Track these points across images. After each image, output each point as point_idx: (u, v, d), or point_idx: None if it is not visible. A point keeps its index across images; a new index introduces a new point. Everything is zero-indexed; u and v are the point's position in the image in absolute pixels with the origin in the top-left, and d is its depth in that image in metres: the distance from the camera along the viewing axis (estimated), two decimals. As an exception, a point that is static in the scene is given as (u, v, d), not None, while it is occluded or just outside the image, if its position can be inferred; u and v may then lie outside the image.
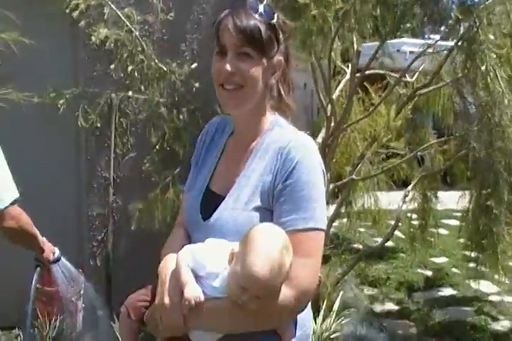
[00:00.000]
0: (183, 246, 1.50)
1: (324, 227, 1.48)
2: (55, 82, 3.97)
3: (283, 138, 1.51)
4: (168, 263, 1.51)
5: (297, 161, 1.46)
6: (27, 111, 3.65)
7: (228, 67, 1.47)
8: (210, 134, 1.71)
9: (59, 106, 3.94)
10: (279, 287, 1.37)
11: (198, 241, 1.50)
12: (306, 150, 1.49)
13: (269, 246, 1.35)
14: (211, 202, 1.56)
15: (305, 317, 1.55)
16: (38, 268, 2.25)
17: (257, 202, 1.48)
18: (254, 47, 1.47)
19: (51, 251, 2.27)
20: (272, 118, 1.58)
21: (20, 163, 3.66)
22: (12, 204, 2.10)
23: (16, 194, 2.14)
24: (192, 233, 1.60)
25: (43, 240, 2.23)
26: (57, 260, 2.33)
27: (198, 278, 1.41)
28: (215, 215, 1.52)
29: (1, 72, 3.57)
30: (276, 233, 1.40)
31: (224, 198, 1.53)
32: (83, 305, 3.90)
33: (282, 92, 1.58)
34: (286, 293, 1.39)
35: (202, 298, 1.37)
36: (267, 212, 1.47)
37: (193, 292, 1.37)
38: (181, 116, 3.95)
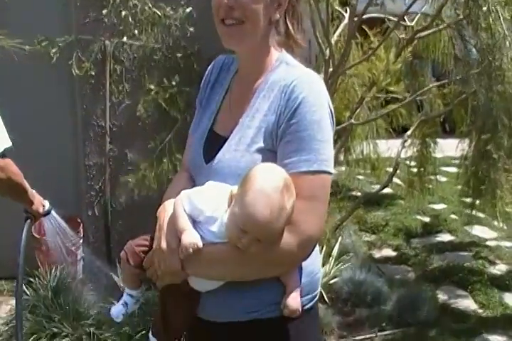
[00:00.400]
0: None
1: (330, 170, 1.41)
2: (46, 29, 3.88)
3: (288, 76, 1.45)
4: (167, 208, 1.48)
5: (302, 99, 1.39)
6: (20, 60, 3.57)
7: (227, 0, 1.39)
8: (215, 74, 1.65)
9: (51, 54, 3.85)
10: (281, 230, 1.33)
11: (200, 184, 1.46)
12: (311, 88, 1.42)
13: (269, 186, 1.30)
14: (214, 144, 1.50)
15: (313, 263, 1.51)
16: (28, 220, 2.20)
17: (261, 144, 1.42)
18: None
19: (41, 203, 2.21)
20: (278, 56, 1.51)
21: (15, 114, 3.63)
22: (1, 154, 2.01)
23: (6, 144, 2.05)
24: (195, 176, 1.55)
25: (32, 192, 2.17)
26: (48, 213, 2.28)
27: (196, 223, 1.37)
28: (217, 158, 1.47)
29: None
30: (277, 173, 1.34)
31: (227, 140, 1.48)
32: (83, 255, 3.95)
33: (290, 27, 1.50)
34: (288, 239, 1.34)
35: (200, 244, 1.34)
36: (271, 154, 1.41)
37: (191, 238, 1.34)
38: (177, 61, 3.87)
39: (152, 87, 3.77)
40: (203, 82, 1.67)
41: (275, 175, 1.33)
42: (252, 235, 1.29)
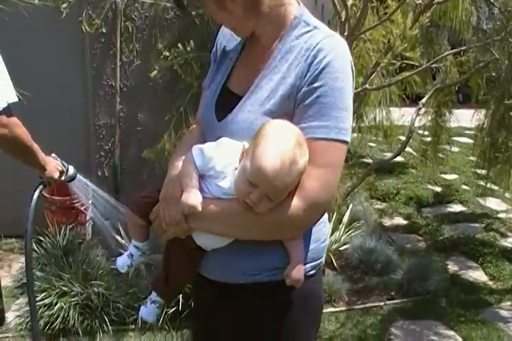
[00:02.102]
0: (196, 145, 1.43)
1: (347, 139, 1.37)
2: (56, -16, 3.78)
3: (310, 38, 1.38)
4: (177, 158, 1.46)
5: (326, 64, 1.33)
6: (30, 17, 3.47)
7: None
8: None
9: (62, 10, 3.75)
10: (291, 186, 1.29)
11: (212, 141, 1.42)
12: (336, 53, 1.35)
13: (281, 140, 1.27)
14: (228, 101, 1.45)
15: (319, 231, 1.50)
16: (41, 186, 2.17)
17: (276, 106, 1.37)
18: None
19: (56, 169, 2.17)
20: (296, 13, 1.43)
21: (24, 72, 3.57)
22: (5, 110, 1.95)
23: (11, 98, 1.99)
24: (206, 132, 1.51)
25: (43, 157, 2.12)
26: (73, 178, 2.26)
27: (205, 177, 1.35)
28: (229, 116, 1.42)
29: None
30: (291, 129, 1.31)
31: (241, 98, 1.43)
32: (92, 215, 3.93)
33: None
34: (296, 204, 1.32)
35: (199, 209, 1.31)
36: (286, 117, 1.36)
37: (192, 200, 1.31)
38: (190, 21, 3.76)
39: (167, 53, 3.66)
40: (218, 35, 1.62)
41: (287, 131, 1.31)
42: (261, 190, 1.27)
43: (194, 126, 1.64)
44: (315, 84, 1.33)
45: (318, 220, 1.42)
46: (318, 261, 1.51)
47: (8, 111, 1.98)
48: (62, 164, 2.22)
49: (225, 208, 1.34)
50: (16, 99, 2.03)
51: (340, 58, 1.36)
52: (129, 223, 1.56)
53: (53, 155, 2.22)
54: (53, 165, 2.17)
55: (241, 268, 1.43)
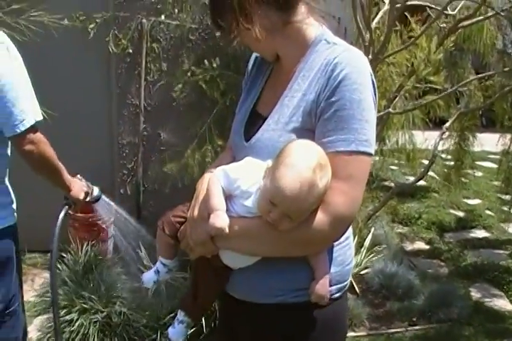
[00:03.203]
0: None
1: (370, 151, 1.35)
2: (84, 5, 3.87)
3: (329, 54, 1.39)
4: (205, 180, 1.47)
5: (343, 77, 1.33)
6: (58, 37, 3.55)
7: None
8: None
9: (89, 30, 3.82)
10: (310, 208, 1.29)
11: None
12: (354, 65, 1.35)
13: (301, 161, 1.27)
14: (255, 123, 1.49)
15: (344, 253, 1.49)
16: (66, 206, 2.22)
17: (299, 123, 1.38)
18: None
19: (82, 190, 2.22)
20: (317, 33, 1.45)
21: (50, 91, 3.63)
22: (33, 127, 2.01)
23: (37, 117, 2.05)
24: (236, 155, 1.54)
25: (69, 178, 2.18)
26: (97, 199, 2.31)
27: (230, 197, 1.36)
28: (255, 137, 1.45)
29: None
30: (312, 150, 1.31)
31: (266, 119, 1.46)
32: (113, 232, 3.94)
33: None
34: (321, 218, 1.31)
35: (227, 231, 1.31)
36: (309, 134, 1.37)
37: (220, 222, 1.31)
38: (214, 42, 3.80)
39: (193, 68, 3.70)
40: (249, 63, 1.66)
41: (310, 152, 1.30)
42: (280, 209, 1.27)
43: (225, 150, 1.67)
44: (333, 98, 1.33)
45: (343, 234, 1.41)
46: (343, 284, 1.50)
47: (36, 128, 2.04)
48: (87, 185, 2.27)
49: (250, 226, 1.34)
50: (41, 118, 2.09)
51: (358, 70, 1.35)
52: (158, 240, 1.57)
53: (78, 176, 2.27)
54: (79, 186, 2.22)
55: (267, 288, 1.42)
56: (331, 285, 1.43)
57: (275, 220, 1.29)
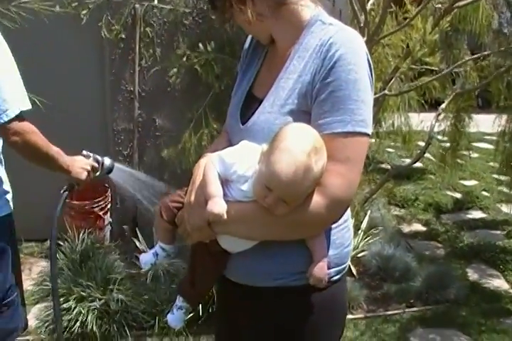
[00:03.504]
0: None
1: (367, 131, 1.35)
2: (76, -9, 3.81)
3: (324, 34, 1.37)
4: (201, 164, 1.46)
5: (338, 57, 1.32)
6: (50, 24, 3.50)
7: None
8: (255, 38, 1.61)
9: (82, 16, 3.78)
10: (306, 192, 1.29)
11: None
12: (348, 45, 1.34)
13: (296, 146, 1.26)
14: (251, 106, 1.48)
15: (343, 236, 1.49)
16: (66, 192, 2.14)
17: (294, 105, 1.37)
18: None
19: (83, 169, 2.14)
20: (312, 14, 1.44)
21: (43, 77, 3.62)
22: (17, 117, 1.96)
23: (23, 106, 1.99)
24: (232, 138, 1.53)
25: (66, 161, 2.10)
26: (110, 170, 2.22)
27: (227, 182, 1.36)
28: (251, 120, 1.45)
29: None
30: (307, 133, 1.30)
31: (262, 102, 1.45)
32: (110, 220, 3.95)
33: None
34: (317, 201, 1.31)
35: (225, 217, 1.31)
36: (305, 116, 1.36)
37: (217, 208, 1.31)
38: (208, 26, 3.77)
39: (188, 52, 3.67)
40: (244, 45, 1.65)
41: (304, 136, 1.29)
42: (276, 194, 1.27)
43: (222, 133, 1.67)
44: (328, 79, 1.33)
45: (341, 217, 1.41)
46: (342, 266, 1.50)
47: (21, 118, 1.98)
48: (96, 159, 2.19)
49: (247, 210, 1.34)
50: (29, 107, 2.03)
51: (353, 50, 1.34)
52: (156, 225, 1.58)
53: (84, 152, 2.20)
54: (79, 166, 2.14)
55: (266, 272, 1.43)
56: (329, 268, 1.43)
57: (271, 205, 1.29)
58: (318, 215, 1.32)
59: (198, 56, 3.67)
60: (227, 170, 1.35)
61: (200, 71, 3.64)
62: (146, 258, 1.59)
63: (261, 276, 1.44)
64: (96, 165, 2.18)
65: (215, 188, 1.34)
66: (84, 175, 2.14)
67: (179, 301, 1.57)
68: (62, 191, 2.14)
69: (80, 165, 2.14)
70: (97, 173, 2.20)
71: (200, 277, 1.51)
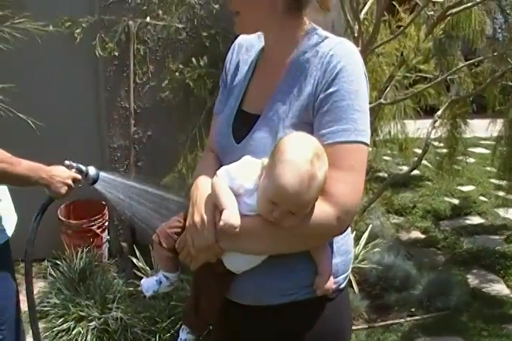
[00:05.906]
0: (215, 170, 1.42)
1: (367, 141, 1.37)
2: (69, 10, 3.84)
3: (323, 47, 1.41)
4: (200, 185, 1.45)
5: (340, 69, 1.36)
6: (44, 43, 3.52)
7: None
8: (238, 52, 1.60)
9: (75, 35, 3.80)
10: (312, 201, 1.29)
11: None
12: (349, 58, 1.38)
13: (298, 156, 1.26)
14: (245, 122, 1.47)
15: (347, 243, 1.51)
16: (43, 204, 2.08)
17: (295, 118, 1.39)
18: None
19: (63, 183, 2.01)
20: (308, 27, 1.46)
21: (38, 95, 3.63)
22: None
23: None
24: (224, 157, 1.51)
25: (41, 177, 1.98)
26: (95, 180, 2.09)
27: (236, 196, 1.34)
28: (249, 136, 1.44)
29: (12, 1, 3.44)
30: (306, 141, 1.31)
31: (258, 117, 1.44)
32: (108, 238, 3.95)
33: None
34: (327, 212, 1.31)
35: (238, 229, 1.30)
36: (307, 127, 1.38)
37: (233, 218, 1.29)
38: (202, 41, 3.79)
39: (181, 66, 3.69)
40: (226, 60, 1.64)
41: (304, 144, 1.30)
42: (283, 207, 1.27)
43: (206, 152, 1.63)
44: (331, 90, 1.36)
45: (348, 228, 1.44)
46: (346, 274, 1.52)
47: None
48: (79, 169, 2.08)
49: (256, 224, 1.34)
50: None
51: (353, 62, 1.38)
52: (156, 254, 1.55)
53: (66, 162, 2.09)
54: (58, 180, 2.01)
55: (277, 289, 1.42)
56: (338, 276, 1.46)
57: (278, 219, 1.29)
58: (329, 225, 1.33)
59: (190, 70, 3.69)
60: (235, 183, 1.34)
61: (192, 86, 3.66)
62: (149, 285, 1.56)
63: (272, 294, 1.43)
64: (78, 176, 2.06)
65: (229, 199, 1.33)
66: (63, 190, 2.02)
67: (183, 334, 1.54)
68: (40, 207, 2.07)
69: (60, 178, 2.02)
70: (80, 185, 2.09)
71: (205, 302, 1.48)
